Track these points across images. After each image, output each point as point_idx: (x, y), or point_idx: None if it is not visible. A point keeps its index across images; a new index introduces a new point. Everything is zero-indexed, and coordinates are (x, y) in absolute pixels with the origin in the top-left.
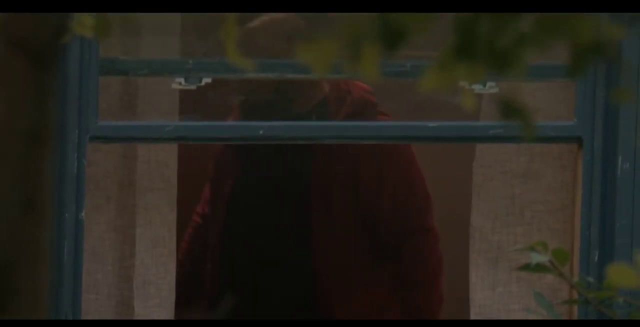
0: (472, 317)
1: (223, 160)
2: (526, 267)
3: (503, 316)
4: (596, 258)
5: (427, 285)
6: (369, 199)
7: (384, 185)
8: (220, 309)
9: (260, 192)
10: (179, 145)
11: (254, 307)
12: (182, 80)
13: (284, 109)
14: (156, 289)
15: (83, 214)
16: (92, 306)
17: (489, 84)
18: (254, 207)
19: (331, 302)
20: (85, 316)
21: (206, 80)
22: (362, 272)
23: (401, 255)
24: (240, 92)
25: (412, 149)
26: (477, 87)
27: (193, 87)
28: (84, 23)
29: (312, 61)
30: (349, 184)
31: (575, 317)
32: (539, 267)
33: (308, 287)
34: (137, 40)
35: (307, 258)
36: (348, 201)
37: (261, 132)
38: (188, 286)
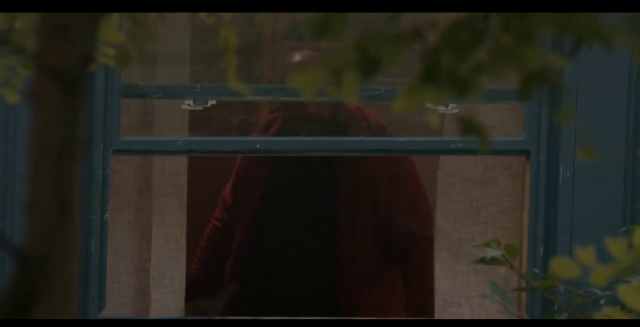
0: (437, 302)
1: (250, 170)
2: (483, 260)
3: (463, 302)
4: (542, 253)
5: (427, 286)
6: (385, 211)
7: (399, 198)
8: (224, 299)
9: (288, 201)
10: (188, 157)
11: (273, 305)
12: (191, 102)
13: (319, 127)
14: (169, 279)
15: (107, 215)
16: (115, 294)
17: (451, 105)
18: (282, 214)
19: (352, 300)
20: (110, 302)
21: (212, 102)
22: (377, 273)
23: (408, 260)
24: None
25: (417, 169)
26: (441, 109)
27: (200, 108)
28: (107, 54)
29: (302, 86)
30: (369, 197)
31: (524, 303)
32: (493, 261)
33: (331, 287)
34: (153, 68)
35: (331, 262)
36: (368, 212)
37: (258, 146)
38: (203, 280)
